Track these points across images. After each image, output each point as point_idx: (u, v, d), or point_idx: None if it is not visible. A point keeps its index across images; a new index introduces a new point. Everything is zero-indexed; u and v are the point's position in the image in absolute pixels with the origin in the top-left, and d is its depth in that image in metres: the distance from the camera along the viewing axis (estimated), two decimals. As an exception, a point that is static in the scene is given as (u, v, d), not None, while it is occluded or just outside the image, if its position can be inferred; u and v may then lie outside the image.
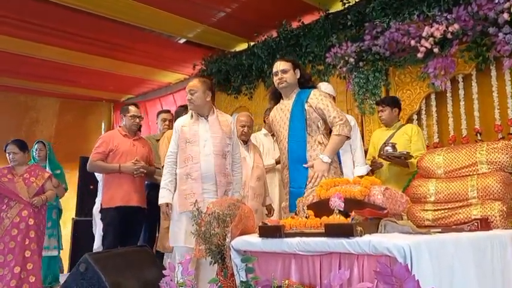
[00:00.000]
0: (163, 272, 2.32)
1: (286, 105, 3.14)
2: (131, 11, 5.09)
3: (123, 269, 2.92)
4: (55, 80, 7.30)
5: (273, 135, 4.24)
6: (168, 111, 4.88)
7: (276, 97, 3.28)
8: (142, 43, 6.07)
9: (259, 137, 4.51)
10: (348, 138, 3.01)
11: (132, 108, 4.18)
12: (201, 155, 3.16)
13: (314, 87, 3.24)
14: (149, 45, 6.17)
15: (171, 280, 2.25)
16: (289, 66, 3.10)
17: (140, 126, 4.26)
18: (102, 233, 4.12)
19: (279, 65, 3.11)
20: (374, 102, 4.47)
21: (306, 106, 3.02)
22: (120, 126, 4.23)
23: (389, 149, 3.59)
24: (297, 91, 3.14)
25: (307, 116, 3.01)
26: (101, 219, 4.03)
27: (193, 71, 6.80)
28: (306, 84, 3.17)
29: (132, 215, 3.91)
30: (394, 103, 3.98)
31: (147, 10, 5.06)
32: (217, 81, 6.40)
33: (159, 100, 7.96)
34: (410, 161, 3.62)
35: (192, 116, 3.31)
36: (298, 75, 3.13)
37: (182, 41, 6.31)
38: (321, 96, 3.05)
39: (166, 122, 4.63)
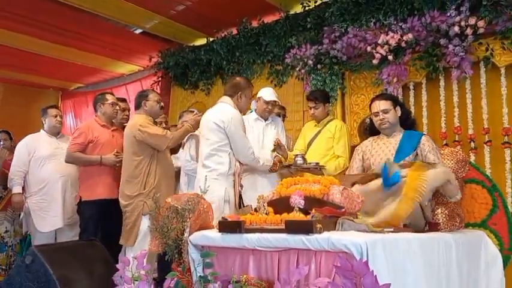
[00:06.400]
0: (117, 265, 2.26)
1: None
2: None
3: (71, 262, 2.82)
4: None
5: None
6: (125, 100, 4.60)
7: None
8: (96, 31, 5.84)
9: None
10: None
11: (109, 96, 4.06)
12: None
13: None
14: (103, 34, 5.95)
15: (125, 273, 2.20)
16: (390, 105, 2.95)
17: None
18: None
19: (379, 105, 2.94)
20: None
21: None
22: (96, 116, 4.06)
23: (298, 160, 3.67)
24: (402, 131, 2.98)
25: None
26: (79, 212, 3.88)
27: (149, 63, 6.65)
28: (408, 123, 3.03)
29: (114, 208, 3.72)
30: (327, 99, 4.03)
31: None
32: (173, 75, 6.30)
33: (111, 91, 7.72)
34: (336, 162, 3.75)
35: None
36: (399, 113, 2.97)
37: (138, 31, 6.15)
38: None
39: (126, 112, 4.39)
